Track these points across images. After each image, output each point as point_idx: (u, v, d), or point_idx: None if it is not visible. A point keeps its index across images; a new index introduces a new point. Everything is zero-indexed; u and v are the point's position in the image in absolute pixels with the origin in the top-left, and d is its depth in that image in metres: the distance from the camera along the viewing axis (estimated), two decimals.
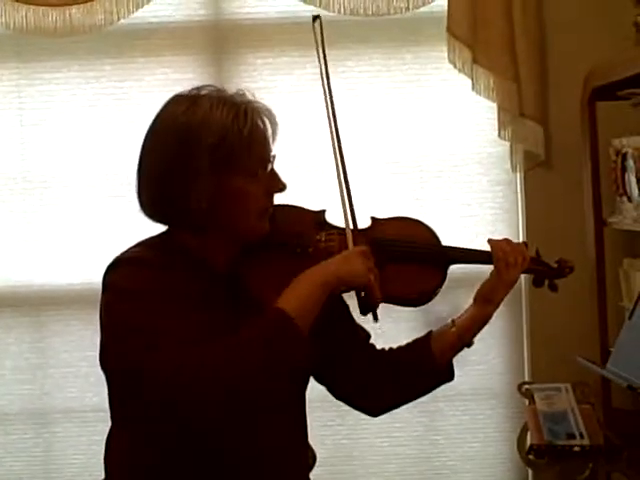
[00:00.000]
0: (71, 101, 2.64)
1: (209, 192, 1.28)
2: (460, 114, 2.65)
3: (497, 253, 1.45)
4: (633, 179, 2.12)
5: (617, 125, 2.32)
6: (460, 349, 1.49)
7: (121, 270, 1.30)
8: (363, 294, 1.31)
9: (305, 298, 1.25)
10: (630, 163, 2.13)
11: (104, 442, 2.77)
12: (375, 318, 1.32)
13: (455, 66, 2.52)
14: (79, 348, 2.67)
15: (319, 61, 1.46)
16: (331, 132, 1.45)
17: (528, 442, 2.24)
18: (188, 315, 1.23)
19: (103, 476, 2.82)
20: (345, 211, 1.40)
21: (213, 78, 2.59)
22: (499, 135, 2.57)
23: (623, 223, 2.24)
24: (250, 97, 1.35)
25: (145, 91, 2.65)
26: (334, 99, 1.48)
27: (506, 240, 1.49)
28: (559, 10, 2.58)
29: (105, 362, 1.34)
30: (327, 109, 1.45)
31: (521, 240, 2.43)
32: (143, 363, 1.18)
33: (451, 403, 2.68)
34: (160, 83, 2.65)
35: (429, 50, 2.62)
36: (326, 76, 1.47)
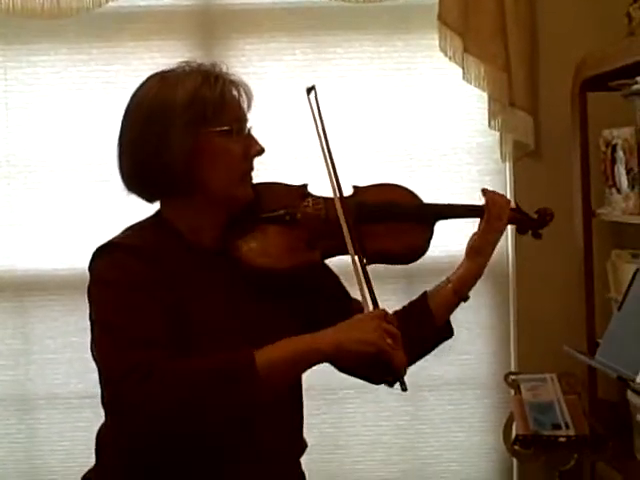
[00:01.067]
0: (58, 84, 2.61)
1: (185, 150, 1.29)
2: (450, 103, 2.64)
3: (491, 203, 1.51)
4: (622, 170, 2.12)
5: (607, 116, 2.32)
6: (457, 304, 1.52)
7: (107, 258, 1.31)
8: (380, 367, 1.27)
9: (286, 356, 1.23)
10: (620, 154, 2.13)
11: (88, 429, 2.76)
12: (403, 387, 1.28)
13: (446, 54, 2.51)
14: (63, 334, 2.65)
15: (317, 130, 1.45)
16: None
17: (514, 432, 2.25)
18: (156, 311, 1.24)
19: (86, 462, 2.81)
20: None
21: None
22: (489, 125, 2.56)
23: (612, 214, 2.24)
24: (223, 68, 1.36)
25: (133, 75, 2.60)
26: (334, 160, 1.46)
27: (495, 192, 1.56)
28: (551, 0, 2.57)
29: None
30: (327, 169, 1.43)
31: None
32: (102, 356, 1.23)
33: (437, 392, 2.69)
34: (148, 67, 2.54)
35: (420, 38, 2.60)
36: (326, 144, 1.45)
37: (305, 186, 1.49)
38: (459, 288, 1.50)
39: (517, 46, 2.50)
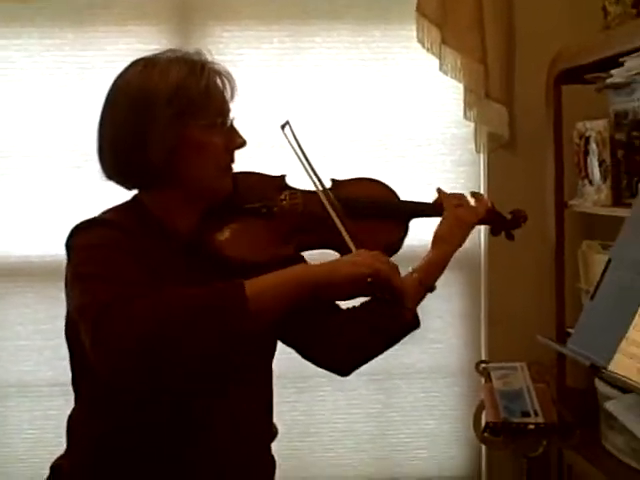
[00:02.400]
0: (31, 69, 2.57)
1: (167, 142, 1.28)
2: (426, 94, 2.65)
3: (442, 196, 1.56)
4: (595, 163, 2.15)
5: (581, 109, 2.35)
6: (424, 295, 1.51)
7: (84, 232, 1.29)
8: (385, 298, 1.23)
9: (273, 285, 1.18)
10: (593, 147, 2.16)
11: (58, 417, 2.74)
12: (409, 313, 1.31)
13: (423, 45, 2.53)
14: (34, 321, 2.63)
15: (300, 161, 1.44)
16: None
17: (484, 420, 2.28)
18: (146, 276, 1.21)
19: (56, 450, 2.78)
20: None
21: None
22: (464, 116, 2.58)
23: (584, 206, 2.27)
24: (208, 57, 1.35)
25: (107, 61, 2.59)
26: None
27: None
28: None
29: (71, 326, 1.32)
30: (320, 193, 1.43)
31: None
32: (89, 299, 1.15)
33: (408, 380, 2.71)
34: (123, 53, 2.59)
35: (398, 29, 2.61)
36: (314, 173, 1.44)
37: (283, 177, 1.49)
38: (424, 278, 1.49)
39: (494, 38, 2.52)
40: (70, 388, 2.55)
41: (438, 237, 1.52)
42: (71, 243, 1.29)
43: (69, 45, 2.58)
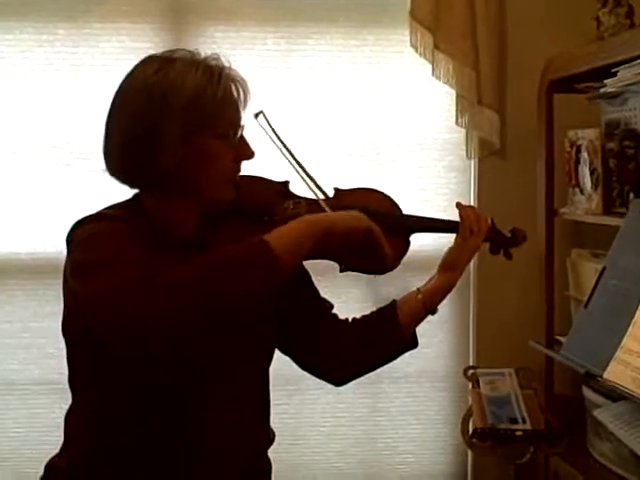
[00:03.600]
0: (22, 64, 2.55)
1: (179, 152, 1.27)
2: (418, 99, 2.65)
3: (465, 220, 1.50)
4: (586, 171, 2.16)
5: (572, 117, 2.36)
6: (424, 316, 1.51)
7: (87, 225, 1.27)
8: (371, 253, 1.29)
9: (291, 235, 1.22)
10: (584, 155, 2.17)
11: (45, 415, 2.73)
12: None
13: (416, 50, 2.53)
14: (22, 319, 2.61)
15: (278, 148, 1.44)
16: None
17: (471, 425, 2.28)
18: (143, 255, 1.20)
19: (42, 449, 2.75)
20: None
21: (169, 49, 2.54)
22: (456, 122, 2.59)
23: (574, 214, 2.28)
24: (225, 62, 1.34)
25: (100, 58, 2.57)
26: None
27: (471, 207, 1.56)
28: (520, 1, 2.60)
29: (69, 318, 1.30)
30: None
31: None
32: (115, 291, 1.12)
33: (395, 385, 2.71)
34: (116, 50, 2.58)
35: (391, 33, 2.61)
36: (290, 154, 1.45)
37: (287, 183, 1.48)
38: (428, 301, 1.49)
39: (486, 45, 2.53)
40: (57, 387, 2.57)
41: (447, 264, 1.50)
42: (74, 236, 1.27)
43: (60, 41, 2.56)
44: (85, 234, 1.25)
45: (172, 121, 1.25)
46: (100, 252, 1.18)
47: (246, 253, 1.17)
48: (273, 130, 1.43)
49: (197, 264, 1.15)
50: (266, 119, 1.43)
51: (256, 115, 1.43)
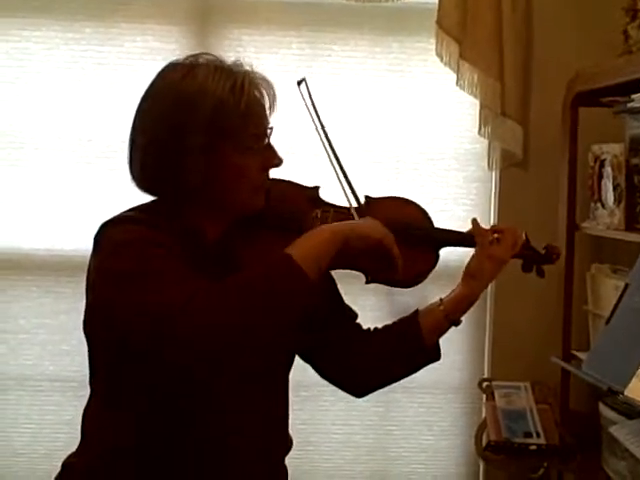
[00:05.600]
0: (48, 61, 2.57)
1: (202, 166, 1.25)
2: (441, 108, 2.65)
3: (475, 230, 1.46)
4: (610, 186, 2.14)
5: (596, 131, 2.34)
6: (447, 328, 1.47)
7: (118, 227, 1.26)
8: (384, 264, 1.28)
9: (314, 244, 1.22)
10: (608, 170, 2.15)
11: (57, 412, 2.73)
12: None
13: (442, 59, 2.52)
14: (38, 315, 2.62)
15: (313, 121, 1.42)
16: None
17: (485, 438, 2.27)
18: (181, 263, 1.21)
19: (53, 446, 2.77)
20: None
21: (196, 50, 2.53)
22: (479, 132, 2.57)
23: (596, 229, 2.26)
24: (248, 67, 1.32)
25: (124, 57, 2.59)
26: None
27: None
28: (548, 12, 2.59)
29: (94, 321, 1.29)
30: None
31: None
32: (148, 300, 1.14)
33: (409, 395, 2.70)
34: (140, 51, 2.59)
35: (416, 41, 2.61)
36: (324, 134, 1.42)
37: (317, 189, 1.45)
38: (451, 312, 1.44)
39: (512, 56, 2.52)
40: (71, 384, 2.58)
41: (469, 273, 1.44)
42: (103, 238, 1.26)
43: (87, 40, 2.58)
44: (118, 239, 1.23)
45: (196, 135, 1.24)
46: (137, 263, 1.18)
47: (276, 274, 1.18)
48: (312, 102, 1.40)
49: (232, 287, 1.16)
50: (308, 89, 1.41)
51: (299, 82, 1.42)
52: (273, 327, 1.18)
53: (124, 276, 1.18)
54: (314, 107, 1.41)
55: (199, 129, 1.24)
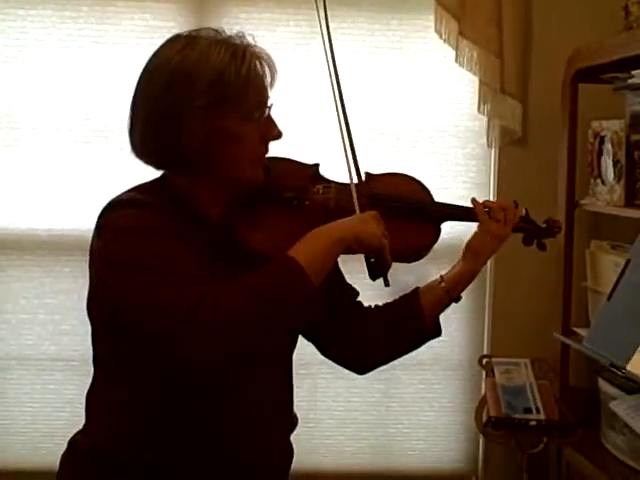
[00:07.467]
0: (45, 40, 2.55)
1: (202, 131, 1.25)
2: (440, 85, 2.64)
3: (478, 207, 1.47)
4: (609, 162, 2.14)
5: (596, 108, 2.34)
6: (448, 304, 1.49)
7: (118, 211, 1.25)
8: (373, 259, 1.28)
9: (317, 251, 1.22)
10: (608, 146, 2.15)
11: (58, 391, 2.74)
12: (386, 283, 1.29)
13: (440, 36, 2.51)
14: (38, 295, 2.62)
15: (320, 24, 1.44)
16: (334, 94, 1.45)
17: (486, 413, 2.28)
18: (188, 255, 1.21)
19: (54, 424, 2.78)
20: (349, 164, 1.38)
21: (194, 28, 2.52)
22: (478, 110, 2.57)
23: (595, 205, 2.26)
24: (250, 40, 1.31)
25: (122, 36, 2.57)
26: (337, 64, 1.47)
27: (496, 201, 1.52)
28: None
29: (98, 306, 1.29)
30: (330, 76, 1.45)
31: None
32: (156, 299, 1.14)
33: (409, 372, 2.71)
34: (138, 29, 2.57)
35: (414, 18, 2.59)
36: (328, 37, 1.44)
37: (317, 167, 1.45)
38: (452, 288, 1.47)
39: (511, 33, 2.51)
40: (71, 363, 2.59)
41: (470, 250, 1.47)
42: (105, 221, 1.25)
43: (84, 18, 2.56)
44: (121, 224, 1.23)
45: (195, 100, 1.24)
46: (141, 253, 1.18)
47: (280, 278, 1.19)
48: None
49: (238, 295, 1.17)
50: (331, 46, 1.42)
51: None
52: (278, 334, 1.21)
53: (131, 269, 1.18)
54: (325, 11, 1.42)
55: (200, 94, 1.24)
